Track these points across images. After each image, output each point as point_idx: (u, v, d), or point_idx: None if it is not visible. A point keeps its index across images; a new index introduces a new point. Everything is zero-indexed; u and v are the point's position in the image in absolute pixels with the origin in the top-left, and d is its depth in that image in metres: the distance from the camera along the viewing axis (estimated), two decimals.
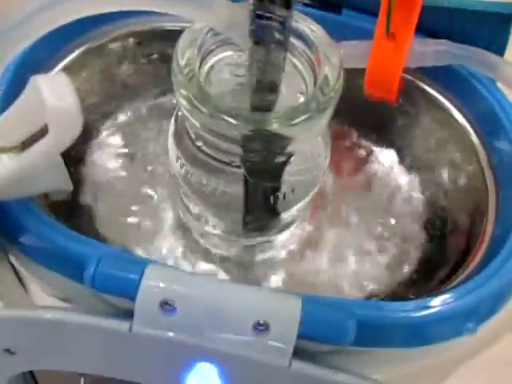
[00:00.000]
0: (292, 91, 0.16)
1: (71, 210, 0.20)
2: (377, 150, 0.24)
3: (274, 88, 0.15)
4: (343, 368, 0.14)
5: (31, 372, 0.18)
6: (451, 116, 0.21)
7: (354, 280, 0.21)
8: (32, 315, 0.14)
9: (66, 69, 0.20)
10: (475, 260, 0.18)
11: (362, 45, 0.20)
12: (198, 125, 0.14)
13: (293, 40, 0.15)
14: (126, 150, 0.23)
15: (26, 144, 0.12)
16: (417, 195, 0.23)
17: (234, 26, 0.13)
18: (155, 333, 0.13)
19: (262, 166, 0.16)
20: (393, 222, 0.22)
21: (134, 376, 0.14)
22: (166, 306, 0.13)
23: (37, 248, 0.16)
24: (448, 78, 0.21)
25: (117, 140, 0.22)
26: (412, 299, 0.15)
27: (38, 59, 0.19)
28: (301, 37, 0.15)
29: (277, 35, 0.14)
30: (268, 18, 0.14)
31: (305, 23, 0.16)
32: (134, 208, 0.21)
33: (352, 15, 0.21)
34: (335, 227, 0.22)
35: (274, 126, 0.14)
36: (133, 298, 0.13)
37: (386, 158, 0.24)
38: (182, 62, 0.14)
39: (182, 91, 0.14)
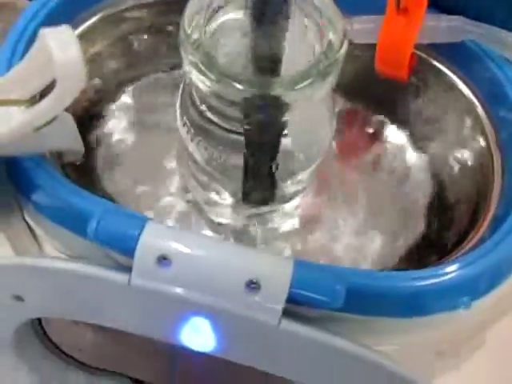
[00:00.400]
0: (302, 58, 0.17)
1: (83, 172, 0.21)
2: (386, 125, 0.24)
3: (277, 50, 0.15)
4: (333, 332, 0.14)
5: (40, 322, 0.19)
6: (462, 94, 0.21)
7: (356, 252, 0.21)
8: (40, 264, 0.15)
9: (82, 36, 0.21)
10: (476, 237, 0.18)
11: (375, 20, 0.20)
12: (204, 90, 0.15)
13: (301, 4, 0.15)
14: (139, 118, 0.23)
15: (35, 98, 0.13)
16: (424, 171, 0.23)
17: None
18: (152, 285, 0.13)
19: (261, 132, 0.16)
20: (399, 197, 0.23)
21: (133, 327, 0.15)
22: (163, 260, 0.13)
23: (46, 202, 0.16)
24: (458, 53, 0.20)
25: (131, 108, 0.23)
26: (405, 270, 0.15)
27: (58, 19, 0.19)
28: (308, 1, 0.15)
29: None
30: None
31: None
32: (143, 174, 0.22)
33: None
34: (340, 201, 0.22)
35: (278, 91, 0.14)
36: (132, 253, 0.13)
37: (394, 133, 0.24)
38: (189, 30, 0.15)
39: (190, 57, 0.15)
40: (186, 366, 0.22)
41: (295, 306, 0.14)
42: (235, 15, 0.15)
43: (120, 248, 0.14)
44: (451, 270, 0.15)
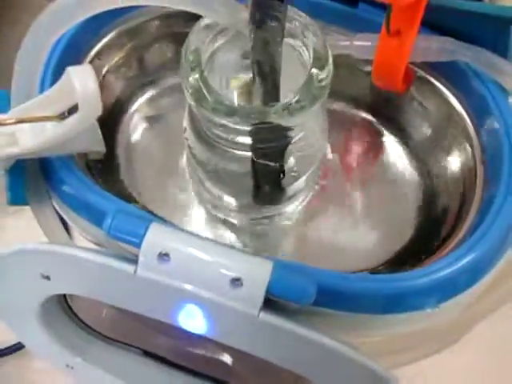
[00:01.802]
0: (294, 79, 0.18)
1: (104, 167, 0.23)
2: (383, 136, 0.25)
3: (274, 71, 0.17)
4: (311, 326, 0.17)
5: (65, 298, 0.22)
6: (454, 108, 0.23)
7: (352, 249, 0.23)
8: (65, 251, 0.17)
9: (101, 50, 0.23)
10: (450, 246, 0.20)
11: (373, 38, 0.22)
12: (202, 118, 0.17)
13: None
14: (155, 122, 0.26)
15: (63, 115, 0.15)
16: (415, 180, 0.25)
17: (237, 22, 0.15)
18: (153, 276, 0.16)
19: (267, 150, 0.18)
20: (391, 200, 0.24)
21: (139, 308, 0.18)
22: (164, 256, 0.16)
23: (70, 197, 0.19)
24: (452, 71, 0.22)
25: (148, 113, 0.25)
26: (377, 272, 0.18)
27: (78, 44, 0.22)
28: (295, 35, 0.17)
29: (274, 20, 0.16)
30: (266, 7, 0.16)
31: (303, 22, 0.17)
32: (158, 173, 0.24)
33: (367, 9, 0.22)
34: (338, 202, 0.24)
35: (273, 119, 0.16)
36: (138, 247, 0.16)
37: (391, 144, 0.25)
38: (190, 57, 0.16)
39: (188, 88, 0.17)
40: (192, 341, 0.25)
41: (276, 299, 0.16)
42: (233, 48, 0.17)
43: (129, 243, 0.16)
44: (418, 275, 0.17)
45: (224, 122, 0.16)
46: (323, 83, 0.17)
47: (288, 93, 0.16)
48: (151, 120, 0.26)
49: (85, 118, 0.14)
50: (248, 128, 0.16)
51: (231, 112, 0.16)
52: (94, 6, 0.15)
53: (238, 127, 0.16)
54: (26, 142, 0.15)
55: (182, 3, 0.15)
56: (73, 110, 0.16)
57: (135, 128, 0.26)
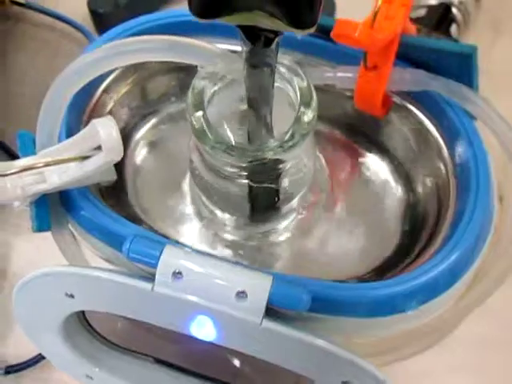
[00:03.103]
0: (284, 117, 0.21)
1: (115, 194, 0.26)
2: (367, 154, 0.28)
3: (267, 111, 0.19)
4: (307, 330, 0.19)
5: (83, 313, 0.25)
6: (428, 130, 0.25)
7: (341, 260, 0.26)
8: (88, 273, 0.20)
9: (109, 85, 0.25)
10: (427, 255, 0.23)
11: (354, 69, 0.24)
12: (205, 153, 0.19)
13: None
14: (160, 147, 0.28)
15: (85, 157, 0.18)
16: (398, 192, 0.27)
17: (233, 70, 0.18)
18: (169, 292, 0.18)
19: (262, 178, 0.21)
20: (376, 214, 0.27)
21: (155, 321, 0.20)
22: (177, 274, 0.18)
23: (90, 224, 0.21)
24: (426, 98, 0.24)
25: (152, 139, 0.28)
26: (362, 282, 0.20)
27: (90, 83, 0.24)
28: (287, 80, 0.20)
29: (265, 66, 0.18)
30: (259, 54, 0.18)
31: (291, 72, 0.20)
32: (162, 194, 0.26)
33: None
34: (327, 217, 0.27)
35: (268, 155, 0.19)
36: (155, 268, 0.18)
37: (374, 161, 0.28)
38: (193, 98, 0.19)
39: (192, 125, 0.19)
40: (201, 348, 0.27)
41: (277, 308, 0.19)
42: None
43: (146, 264, 0.19)
44: (398, 282, 0.20)
45: (223, 158, 0.18)
46: (311, 119, 0.19)
47: (280, 130, 0.19)
48: (154, 145, 0.28)
49: (108, 160, 0.17)
50: (245, 164, 0.18)
51: (230, 150, 0.18)
52: (108, 65, 0.18)
53: (236, 162, 0.19)
54: (53, 179, 0.18)
55: (186, 58, 0.18)
56: (91, 154, 0.18)
57: (140, 153, 0.28)
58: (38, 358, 0.30)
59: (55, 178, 0.18)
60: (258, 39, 0.16)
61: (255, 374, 0.27)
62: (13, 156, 0.36)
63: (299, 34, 0.14)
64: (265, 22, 0.14)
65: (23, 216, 0.33)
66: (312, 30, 0.13)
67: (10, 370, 0.30)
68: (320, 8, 0.13)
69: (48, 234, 0.22)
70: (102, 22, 0.40)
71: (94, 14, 0.40)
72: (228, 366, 0.27)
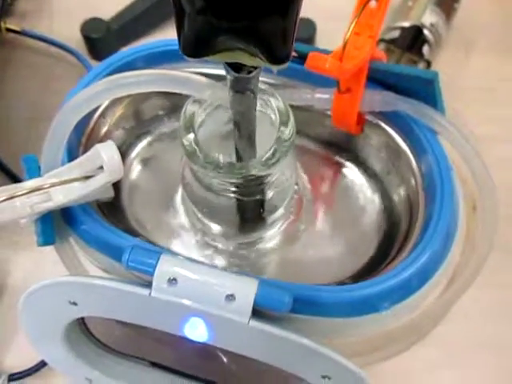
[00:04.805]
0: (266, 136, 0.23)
1: (112, 208, 0.27)
2: (346, 167, 0.30)
3: (251, 132, 0.22)
4: (291, 329, 0.21)
5: (84, 321, 0.26)
6: (399, 146, 0.28)
7: (323, 265, 0.28)
8: (90, 281, 0.22)
9: (106, 108, 0.27)
10: (401, 257, 0.25)
11: (330, 91, 0.27)
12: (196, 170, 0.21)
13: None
14: (154, 164, 0.30)
15: (88, 177, 0.20)
16: (375, 203, 0.29)
17: (219, 98, 0.20)
18: (165, 297, 0.20)
19: (249, 191, 0.23)
20: (355, 224, 0.29)
21: (152, 323, 0.22)
22: (172, 281, 0.20)
23: (91, 237, 0.23)
24: (396, 117, 0.27)
25: (146, 156, 0.30)
26: (340, 283, 0.22)
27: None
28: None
29: (249, 89, 0.20)
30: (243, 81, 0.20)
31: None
32: (156, 207, 0.28)
33: None
34: (309, 227, 0.29)
35: (254, 172, 0.21)
36: (152, 275, 0.20)
37: (352, 173, 0.30)
38: (184, 121, 0.21)
39: (184, 146, 0.21)
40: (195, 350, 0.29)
41: (262, 309, 0.21)
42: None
43: (143, 272, 0.20)
44: (370, 285, 0.22)
45: (213, 175, 0.21)
46: (290, 137, 0.22)
47: (264, 148, 0.21)
48: (148, 162, 0.30)
49: (109, 180, 0.19)
50: (233, 180, 0.21)
51: (218, 168, 0.20)
52: (109, 96, 0.20)
53: (224, 179, 0.21)
54: (59, 198, 0.20)
55: (178, 89, 0.20)
56: (93, 174, 0.20)
57: (135, 170, 0.30)
58: (39, 367, 0.32)
59: (60, 197, 0.20)
60: (240, 70, 0.18)
61: (246, 376, 0.29)
62: (9, 174, 0.38)
63: (275, 69, 0.16)
64: (245, 59, 0.16)
65: (21, 233, 0.35)
66: (285, 66, 0.16)
67: (13, 377, 0.32)
68: (292, 47, 0.15)
69: (44, 250, 0.24)
70: (95, 46, 0.42)
71: (87, 39, 0.42)
72: (219, 368, 0.29)
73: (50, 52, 0.43)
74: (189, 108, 0.22)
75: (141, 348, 0.29)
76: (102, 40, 0.41)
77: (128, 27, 0.42)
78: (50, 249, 0.24)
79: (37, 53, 0.43)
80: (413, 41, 0.40)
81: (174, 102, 0.30)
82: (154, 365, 0.29)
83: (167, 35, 0.42)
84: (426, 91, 0.25)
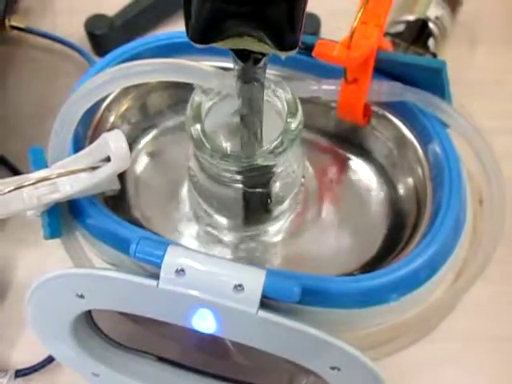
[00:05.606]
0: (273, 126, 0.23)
1: (118, 202, 0.27)
2: (352, 159, 0.30)
3: (258, 121, 0.21)
4: (299, 320, 0.21)
5: (90, 315, 0.26)
6: (406, 137, 0.27)
7: (330, 257, 0.28)
8: (98, 273, 0.21)
9: (112, 101, 0.27)
10: (410, 247, 0.25)
11: (337, 82, 0.26)
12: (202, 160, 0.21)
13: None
14: (159, 157, 0.30)
15: (95, 167, 0.20)
16: (381, 193, 0.29)
17: (227, 87, 0.20)
18: (172, 288, 0.20)
19: (255, 182, 0.23)
20: (362, 215, 0.29)
21: (160, 315, 0.22)
22: (180, 271, 0.20)
23: (98, 229, 0.23)
24: (403, 108, 0.27)
25: (151, 150, 0.30)
26: (347, 275, 0.22)
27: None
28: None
29: (256, 81, 0.20)
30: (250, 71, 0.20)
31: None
32: (162, 200, 0.28)
33: None
34: (317, 219, 0.29)
35: (260, 161, 0.21)
36: (159, 266, 0.20)
37: (358, 165, 0.30)
38: (191, 111, 0.21)
39: (191, 136, 0.21)
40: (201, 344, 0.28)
41: (270, 300, 0.21)
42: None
43: (151, 263, 0.20)
44: (378, 276, 0.22)
45: (220, 164, 0.20)
46: (297, 127, 0.21)
47: (270, 138, 0.21)
48: (154, 156, 0.30)
49: (116, 169, 0.19)
50: (239, 169, 0.21)
51: (225, 157, 0.20)
52: (115, 86, 0.20)
53: (231, 168, 0.21)
54: (66, 189, 0.20)
55: (185, 78, 0.20)
56: (100, 164, 0.20)
57: (141, 163, 0.30)
58: (46, 363, 0.32)
59: (68, 188, 0.20)
60: (248, 59, 0.18)
61: (252, 371, 0.29)
62: (14, 171, 0.38)
63: (283, 56, 0.16)
64: (253, 45, 0.16)
65: (27, 230, 0.35)
66: (294, 53, 0.16)
67: (19, 373, 0.31)
68: (300, 34, 0.15)
69: (50, 247, 0.24)
70: (99, 42, 0.42)
71: (91, 36, 0.42)
72: (226, 362, 0.29)
73: (54, 49, 0.43)
74: (196, 98, 0.21)
75: (147, 342, 0.29)
76: (105, 36, 0.41)
77: (132, 23, 0.42)
78: (55, 246, 0.24)
79: (41, 50, 0.43)
80: (418, 34, 0.40)
81: (180, 96, 0.30)
82: (161, 359, 0.29)
83: (171, 31, 0.42)
84: (434, 81, 0.25)
